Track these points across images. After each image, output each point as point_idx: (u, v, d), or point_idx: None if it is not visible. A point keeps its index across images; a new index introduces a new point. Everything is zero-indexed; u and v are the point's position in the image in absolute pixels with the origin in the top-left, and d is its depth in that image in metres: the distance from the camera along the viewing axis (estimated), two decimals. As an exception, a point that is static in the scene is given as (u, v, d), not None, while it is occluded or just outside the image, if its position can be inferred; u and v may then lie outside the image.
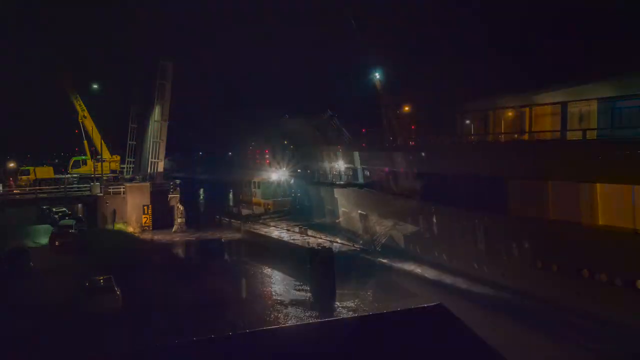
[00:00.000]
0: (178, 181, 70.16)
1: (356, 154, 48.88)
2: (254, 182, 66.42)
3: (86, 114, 67.71)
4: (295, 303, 32.95)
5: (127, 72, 70.45)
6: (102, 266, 37.03)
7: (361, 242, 45.62)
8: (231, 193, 79.69)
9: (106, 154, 66.91)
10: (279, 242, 46.61)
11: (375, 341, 12.44)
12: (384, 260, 41.10)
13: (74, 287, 32.45)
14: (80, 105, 67.43)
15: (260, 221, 57.71)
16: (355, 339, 12.50)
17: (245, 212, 63.92)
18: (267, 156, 78.27)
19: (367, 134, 51.90)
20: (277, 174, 65.18)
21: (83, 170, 69.07)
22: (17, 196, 59.34)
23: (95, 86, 69.23)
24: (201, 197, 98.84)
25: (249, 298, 34.41)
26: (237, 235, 53.80)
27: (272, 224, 55.85)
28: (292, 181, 67.08)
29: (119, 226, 57.42)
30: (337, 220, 53.94)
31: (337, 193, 53.09)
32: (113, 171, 67.41)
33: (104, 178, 62.15)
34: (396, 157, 42.64)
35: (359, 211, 48.48)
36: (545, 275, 28.37)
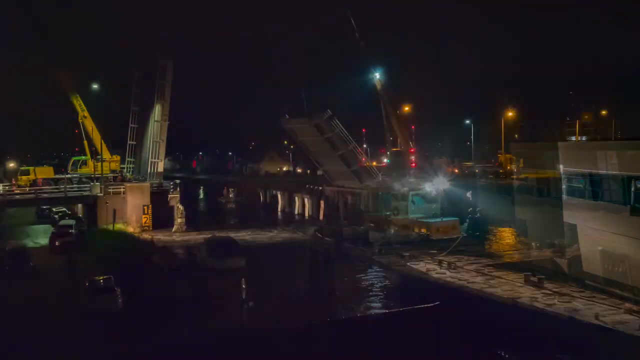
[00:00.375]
0: (178, 181, 70.11)
1: None
2: (395, 195, 47.84)
3: (86, 114, 67.61)
4: None
5: (127, 72, 70.44)
6: (102, 266, 37.04)
7: None
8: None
9: (106, 154, 66.84)
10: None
11: (375, 341, 12.46)
12: None
13: (74, 287, 32.47)
14: (80, 105, 67.31)
15: (434, 257, 37.83)
16: (356, 338, 12.52)
17: (374, 236, 44.45)
18: (413, 157, 56.79)
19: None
20: (435, 183, 46.88)
21: (83, 170, 69.01)
22: (17, 196, 59.35)
23: (95, 86, 69.23)
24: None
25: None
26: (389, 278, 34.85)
27: (451, 260, 36.00)
28: (469, 194, 48.51)
29: (119, 226, 57.32)
30: (563, 259, 33.78)
31: (578, 217, 32.01)
32: (113, 171, 67.36)
33: (107, 178, 62.06)
34: None
35: None
36: None
